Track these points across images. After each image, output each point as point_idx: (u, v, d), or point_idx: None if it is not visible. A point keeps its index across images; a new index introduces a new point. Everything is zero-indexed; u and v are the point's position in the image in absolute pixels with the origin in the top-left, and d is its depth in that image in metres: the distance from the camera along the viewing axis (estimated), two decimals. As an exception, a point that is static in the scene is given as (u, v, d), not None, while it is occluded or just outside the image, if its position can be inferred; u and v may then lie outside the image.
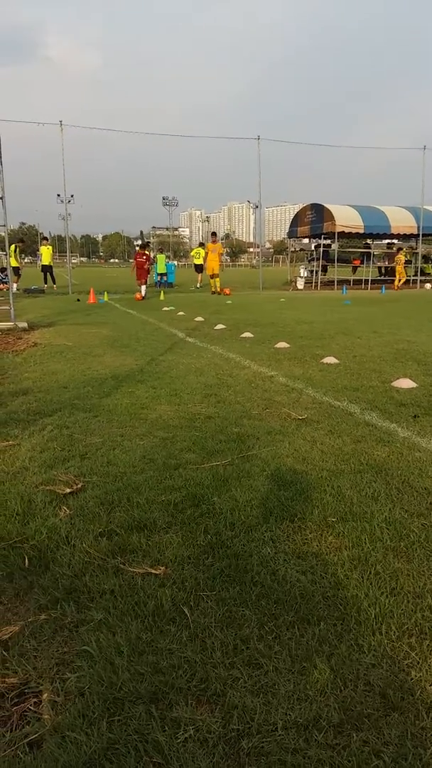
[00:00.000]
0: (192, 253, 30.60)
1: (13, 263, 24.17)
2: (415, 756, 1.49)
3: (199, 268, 28.00)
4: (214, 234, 26.28)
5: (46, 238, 29.94)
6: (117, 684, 1.73)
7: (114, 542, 2.57)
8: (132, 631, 1.97)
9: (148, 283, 20.93)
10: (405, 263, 29.61)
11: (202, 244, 28.69)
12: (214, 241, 24.74)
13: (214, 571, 2.33)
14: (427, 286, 26.78)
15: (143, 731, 1.57)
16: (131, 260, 22.94)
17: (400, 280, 27.23)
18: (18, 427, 4.35)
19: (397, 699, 1.68)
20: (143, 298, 19.65)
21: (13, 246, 24.22)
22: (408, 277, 28.75)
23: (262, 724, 1.58)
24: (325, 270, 28.82)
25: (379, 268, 31.64)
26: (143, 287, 20.40)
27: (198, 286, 27.32)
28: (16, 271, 24.16)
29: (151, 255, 27.24)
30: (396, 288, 26.78)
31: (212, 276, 23.36)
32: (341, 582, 2.26)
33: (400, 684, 1.73)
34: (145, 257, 21.45)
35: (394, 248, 28.90)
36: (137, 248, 22.42)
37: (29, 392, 5.52)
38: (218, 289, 23.10)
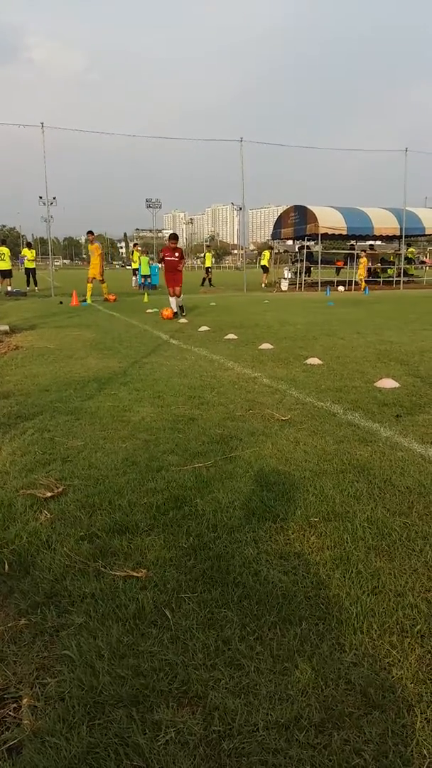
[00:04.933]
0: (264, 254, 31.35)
1: (6, 266, 23.87)
2: (395, 753, 1.50)
3: (265, 269, 29.72)
4: (89, 233, 20.68)
5: (30, 243, 30.01)
6: (97, 688, 1.72)
7: (95, 546, 2.56)
8: (113, 635, 1.95)
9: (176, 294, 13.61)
10: (387, 264, 29.93)
11: (270, 247, 29.41)
12: (91, 241, 20.25)
13: (196, 573, 2.33)
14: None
15: (124, 734, 1.56)
16: (159, 263, 14.77)
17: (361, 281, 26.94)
18: (-1, 431, 4.30)
19: (379, 697, 1.68)
20: (174, 315, 13.32)
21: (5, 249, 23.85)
22: (390, 278, 29.01)
23: (243, 724, 1.58)
24: (309, 272, 28.95)
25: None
26: (174, 300, 13.56)
27: (263, 285, 29.07)
28: (7, 273, 23.88)
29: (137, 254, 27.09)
30: (361, 288, 26.46)
31: (91, 280, 19.37)
32: (323, 582, 2.26)
33: (381, 682, 1.74)
34: (177, 255, 13.78)
35: (363, 253, 28.25)
36: (167, 242, 14.23)
37: (10, 395, 5.47)
38: (106, 296, 19.47)
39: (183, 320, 12.39)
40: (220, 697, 1.67)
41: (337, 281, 27.97)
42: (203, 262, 31.71)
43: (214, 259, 32.74)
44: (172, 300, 13.58)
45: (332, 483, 3.24)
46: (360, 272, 26.92)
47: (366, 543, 2.56)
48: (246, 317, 13.35)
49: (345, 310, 15.31)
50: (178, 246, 14.18)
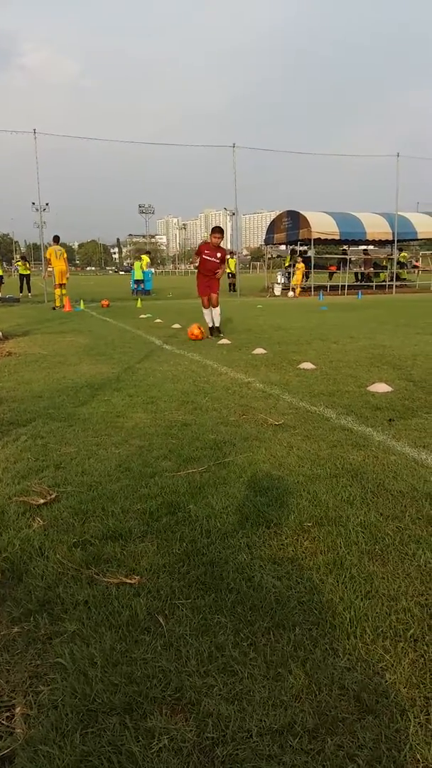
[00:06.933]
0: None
1: None
2: (389, 758, 1.50)
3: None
4: (55, 238, 20.19)
5: (24, 257, 30.63)
6: (91, 695, 1.71)
7: (88, 552, 2.55)
8: (106, 642, 1.94)
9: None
10: (380, 268, 30.10)
11: (294, 251, 30.12)
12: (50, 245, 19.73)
13: (189, 579, 2.32)
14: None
15: (117, 742, 1.55)
16: (195, 257, 10.99)
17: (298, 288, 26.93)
18: (-8, 438, 4.29)
19: (372, 702, 1.68)
20: (211, 331, 10.56)
21: None
22: (383, 282, 29.19)
23: (237, 731, 1.58)
24: (306, 276, 29.09)
25: (356, 273, 32.04)
26: (209, 312, 10.70)
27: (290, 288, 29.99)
28: None
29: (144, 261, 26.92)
30: (296, 295, 26.49)
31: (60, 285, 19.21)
32: (317, 586, 2.27)
33: (374, 687, 1.74)
34: (220, 256, 10.48)
35: (299, 259, 27.97)
36: (210, 236, 10.56)
37: (2, 402, 5.46)
38: (57, 304, 19.10)
39: (176, 326, 12.32)
40: (213, 704, 1.67)
41: (289, 287, 28.02)
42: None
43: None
44: (207, 312, 10.67)
45: (325, 487, 3.25)
46: (296, 278, 26.85)
47: (359, 547, 2.57)
48: (239, 322, 13.37)
49: (338, 315, 15.37)
50: (221, 246, 10.58)
